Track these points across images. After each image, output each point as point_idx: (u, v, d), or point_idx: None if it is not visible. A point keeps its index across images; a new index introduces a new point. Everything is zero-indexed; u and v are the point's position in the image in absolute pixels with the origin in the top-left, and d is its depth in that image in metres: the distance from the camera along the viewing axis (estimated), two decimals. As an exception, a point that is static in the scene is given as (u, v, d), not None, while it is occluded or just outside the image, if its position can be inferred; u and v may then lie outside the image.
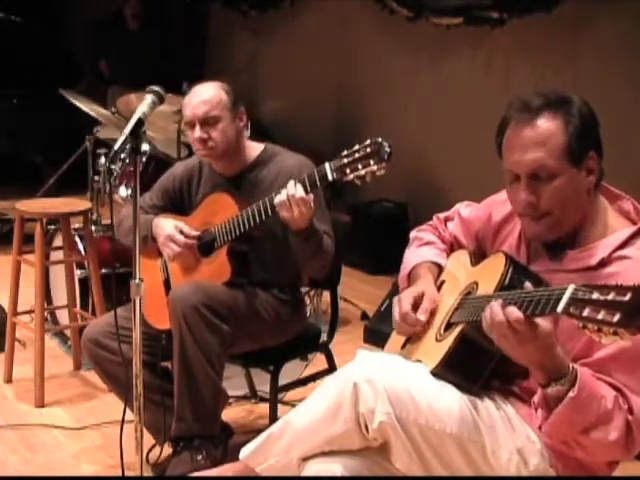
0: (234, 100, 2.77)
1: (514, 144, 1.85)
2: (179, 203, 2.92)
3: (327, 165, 2.40)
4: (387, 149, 2.28)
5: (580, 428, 1.71)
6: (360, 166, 2.32)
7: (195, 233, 2.73)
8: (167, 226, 2.75)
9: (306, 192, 2.46)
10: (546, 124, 1.81)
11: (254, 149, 2.85)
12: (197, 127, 2.71)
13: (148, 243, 2.78)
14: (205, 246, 2.75)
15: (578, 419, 1.70)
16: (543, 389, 1.71)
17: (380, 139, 2.30)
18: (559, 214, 1.84)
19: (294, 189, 2.44)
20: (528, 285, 1.72)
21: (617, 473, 1.93)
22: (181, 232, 2.73)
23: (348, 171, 2.34)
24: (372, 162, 2.30)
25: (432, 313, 2.04)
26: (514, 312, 1.64)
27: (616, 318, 1.40)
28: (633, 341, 1.41)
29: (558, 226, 1.86)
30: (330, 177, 2.39)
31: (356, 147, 2.34)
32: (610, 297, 1.43)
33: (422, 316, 2.02)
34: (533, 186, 1.83)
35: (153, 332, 2.72)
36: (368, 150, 2.31)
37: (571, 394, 1.67)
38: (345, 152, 2.36)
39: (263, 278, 2.78)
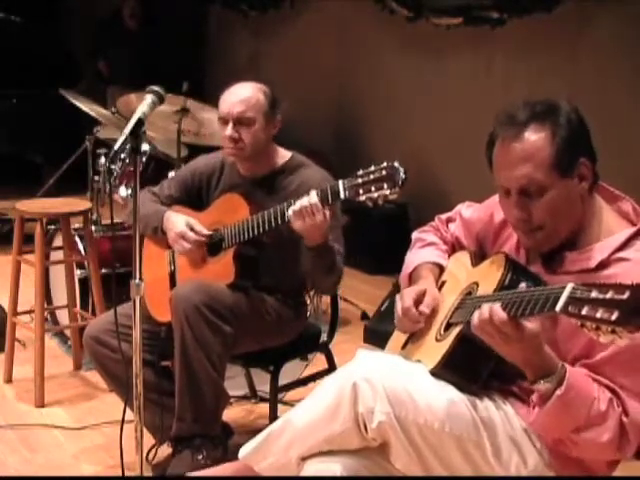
0: (272, 105, 2.76)
1: (502, 161, 1.85)
2: (195, 197, 2.91)
3: (341, 183, 2.37)
4: (402, 175, 2.25)
5: (570, 427, 1.72)
6: (373, 188, 2.28)
7: (206, 232, 2.73)
8: (179, 222, 2.75)
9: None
10: (532, 138, 1.80)
11: (281, 156, 2.84)
12: (230, 125, 2.70)
13: (158, 235, 2.79)
14: (213, 245, 2.75)
15: (566, 418, 1.71)
16: (531, 385, 1.73)
17: (396, 164, 2.27)
18: (551, 227, 1.84)
19: (307, 199, 2.43)
20: (528, 286, 1.73)
21: (617, 473, 1.93)
22: (192, 229, 2.73)
23: (361, 192, 2.31)
24: (386, 186, 2.27)
25: (433, 312, 2.04)
26: (498, 312, 1.66)
27: (614, 316, 1.41)
28: (631, 340, 1.42)
29: (551, 238, 1.87)
30: (342, 195, 2.36)
31: (372, 168, 2.30)
32: (608, 296, 1.43)
33: (425, 309, 2.02)
34: (524, 202, 1.83)
35: (154, 330, 2.72)
36: (383, 173, 2.27)
37: (558, 392, 1.69)
38: (360, 172, 2.32)
39: (268, 283, 2.77)
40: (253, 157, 2.76)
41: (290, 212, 2.46)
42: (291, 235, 2.61)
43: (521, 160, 1.81)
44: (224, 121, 2.72)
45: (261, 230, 2.59)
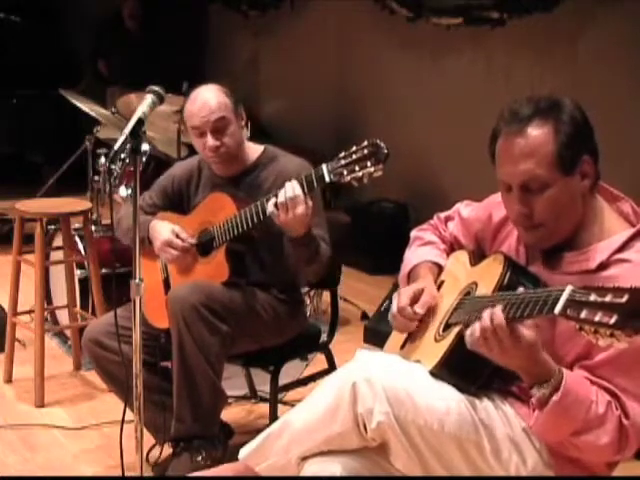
0: (235, 101, 2.77)
1: (504, 156, 1.85)
2: (178, 203, 2.92)
3: (324, 166, 2.39)
4: (384, 150, 2.27)
5: (568, 431, 1.73)
6: (357, 168, 2.31)
7: (192, 240, 2.74)
8: (164, 230, 2.75)
9: (303, 194, 2.45)
10: (535, 134, 1.80)
11: (254, 151, 2.85)
12: (209, 136, 2.69)
13: (145, 244, 2.78)
14: (204, 246, 2.75)
15: (564, 422, 1.72)
16: (529, 390, 1.74)
17: (377, 140, 2.29)
18: (552, 225, 1.84)
19: (291, 190, 2.44)
20: (527, 286, 1.73)
21: (617, 473, 1.93)
22: (177, 236, 2.73)
23: (345, 172, 2.33)
24: (369, 164, 2.29)
25: (432, 312, 2.04)
26: (498, 316, 1.66)
27: (613, 320, 1.40)
28: (629, 343, 1.42)
29: (552, 236, 1.87)
30: (327, 178, 2.38)
31: (353, 148, 2.33)
32: (607, 299, 1.43)
33: (419, 309, 2.02)
34: (526, 198, 1.83)
35: (153, 332, 2.72)
36: (365, 152, 2.30)
37: (555, 398, 1.69)
38: (342, 153, 2.35)
39: (261, 279, 2.77)
40: (235, 157, 2.77)
41: (271, 207, 2.46)
42: (279, 228, 2.61)
43: (523, 155, 1.80)
44: (200, 133, 2.71)
45: (250, 224, 2.59)
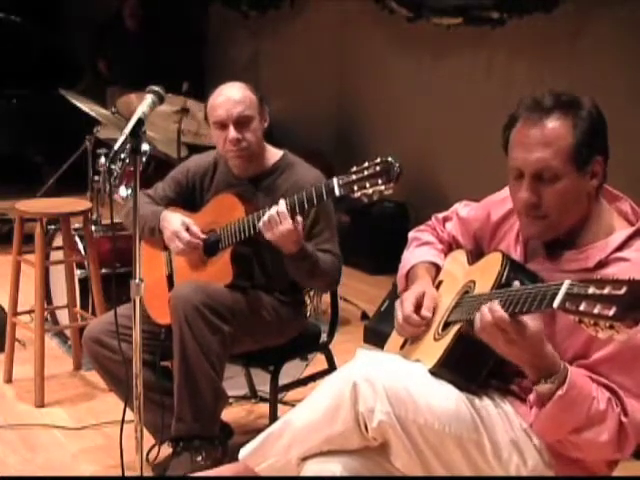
0: (260, 99, 2.77)
1: (521, 142, 1.85)
2: (190, 197, 2.91)
3: (335, 180, 2.38)
4: (397, 169, 2.25)
5: (569, 427, 1.73)
6: (368, 184, 2.29)
7: (202, 236, 2.73)
8: (174, 221, 2.74)
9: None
10: (554, 125, 1.81)
11: (273, 154, 2.84)
12: (231, 128, 2.68)
13: (155, 234, 2.78)
14: (210, 246, 2.75)
15: (567, 418, 1.72)
16: (534, 386, 1.74)
17: (390, 158, 2.27)
18: (556, 218, 1.85)
19: (275, 209, 2.45)
20: (525, 283, 1.73)
21: (617, 473, 1.93)
22: (187, 229, 2.72)
23: (356, 188, 2.32)
24: (380, 181, 2.27)
25: (432, 312, 2.04)
26: (498, 311, 1.67)
27: (612, 312, 1.42)
28: (629, 335, 1.42)
29: (554, 228, 1.87)
30: (337, 192, 2.38)
31: (365, 164, 2.31)
32: (606, 291, 1.44)
33: (427, 313, 2.02)
34: (536, 186, 1.83)
35: (154, 330, 2.72)
36: (377, 168, 2.28)
37: (560, 392, 1.69)
38: (354, 168, 2.33)
39: (265, 282, 2.77)
40: (254, 155, 2.76)
41: (260, 224, 2.48)
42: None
43: (541, 144, 1.81)
44: (222, 125, 2.70)
45: (257, 229, 2.59)
